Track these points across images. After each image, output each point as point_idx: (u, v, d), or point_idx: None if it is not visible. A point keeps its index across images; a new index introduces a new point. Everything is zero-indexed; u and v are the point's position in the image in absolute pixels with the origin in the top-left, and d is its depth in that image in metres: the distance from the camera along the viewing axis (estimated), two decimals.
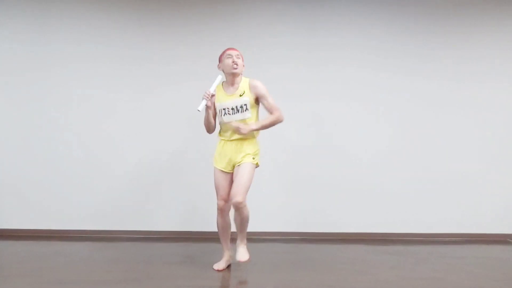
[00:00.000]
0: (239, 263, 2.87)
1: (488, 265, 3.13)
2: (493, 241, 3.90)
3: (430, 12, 4.03)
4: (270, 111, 2.84)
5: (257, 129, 2.81)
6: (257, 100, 2.86)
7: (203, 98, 2.79)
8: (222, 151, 2.90)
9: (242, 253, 2.87)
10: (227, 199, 2.85)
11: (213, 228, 3.90)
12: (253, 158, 2.85)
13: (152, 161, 3.95)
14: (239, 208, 2.76)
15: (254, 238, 3.83)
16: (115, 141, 3.95)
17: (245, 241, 2.94)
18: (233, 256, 3.00)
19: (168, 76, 3.97)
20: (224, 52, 2.89)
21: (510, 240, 3.96)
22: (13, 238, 3.76)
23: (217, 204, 2.88)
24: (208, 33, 3.96)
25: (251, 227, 3.87)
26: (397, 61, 4.02)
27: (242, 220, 2.84)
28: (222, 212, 2.88)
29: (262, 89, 2.83)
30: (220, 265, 2.93)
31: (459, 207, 4.00)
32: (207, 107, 2.84)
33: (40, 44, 3.94)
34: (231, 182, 2.87)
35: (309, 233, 3.91)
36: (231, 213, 2.89)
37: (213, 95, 2.82)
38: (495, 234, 4.00)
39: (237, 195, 2.73)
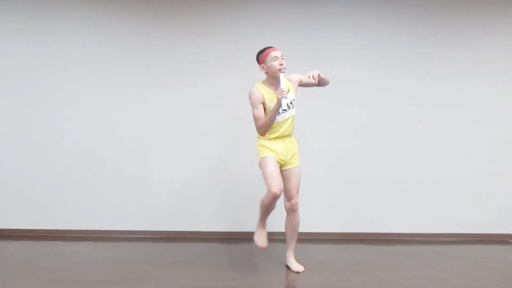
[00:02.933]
0: (298, 273, 2.87)
1: (488, 265, 3.13)
2: (493, 241, 3.90)
3: (431, 12, 4.02)
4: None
5: (325, 80, 2.86)
6: (300, 84, 2.96)
7: (282, 97, 2.67)
8: (273, 146, 2.84)
9: (297, 264, 2.94)
10: (282, 187, 2.76)
11: (213, 228, 3.93)
12: (299, 159, 2.95)
13: (152, 161, 3.95)
14: (295, 210, 2.88)
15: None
16: (116, 141, 3.94)
17: (294, 253, 2.99)
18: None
19: (168, 76, 3.96)
20: (267, 53, 2.81)
21: (510, 240, 3.96)
22: (13, 238, 3.76)
23: (272, 193, 2.69)
24: (208, 33, 3.95)
25: (250, 227, 3.89)
26: (396, 61, 4.01)
27: (296, 225, 2.93)
28: (275, 199, 2.75)
29: (294, 75, 2.94)
30: (265, 241, 2.86)
31: (459, 207, 4.00)
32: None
33: (40, 44, 3.93)
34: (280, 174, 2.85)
35: (309, 233, 3.90)
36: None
37: (287, 92, 2.76)
38: (495, 234, 3.99)
39: (295, 196, 2.87)
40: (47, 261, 3.07)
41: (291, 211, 2.89)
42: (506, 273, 2.96)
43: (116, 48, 3.95)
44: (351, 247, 3.66)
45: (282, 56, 2.82)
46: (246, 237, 3.83)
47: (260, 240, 2.88)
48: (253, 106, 2.82)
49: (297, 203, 2.87)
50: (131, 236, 3.88)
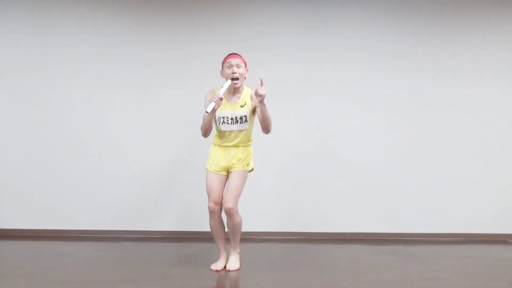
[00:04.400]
0: (228, 272, 2.86)
1: (488, 265, 3.13)
2: (493, 241, 3.90)
3: (431, 12, 4.02)
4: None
5: (264, 111, 2.73)
6: (254, 111, 2.86)
7: (211, 101, 2.71)
8: (216, 156, 2.88)
9: (234, 262, 2.93)
10: (218, 202, 2.84)
11: None
12: (247, 165, 2.88)
13: (152, 162, 3.94)
14: (230, 214, 2.81)
15: (253, 238, 3.83)
16: (116, 141, 3.94)
17: (237, 249, 2.96)
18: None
19: (168, 76, 3.96)
20: (225, 59, 2.85)
21: (510, 240, 3.96)
22: (13, 238, 3.76)
23: (208, 207, 2.85)
24: (208, 33, 3.95)
25: (252, 227, 3.89)
26: (397, 61, 4.01)
27: (234, 227, 2.87)
28: (213, 214, 2.86)
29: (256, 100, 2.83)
30: (218, 265, 2.92)
31: (459, 207, 4.00)
32: (213, 110, 2.76)
33: (41, 44, 3.93)
34: (224, 185, 2.88)
35: (309, 233, 3.91)
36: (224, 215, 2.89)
37: (221, 99, 2.73)
38: (495, 234, 3.99)
39: (228, 201, 2.79)
40: (47, 261, 3.07)
41: (227, 215, 2.83)
42: (506, 273, 2.96)
43: (114, 48, 3.95)
44: (351, 247, 3.66)
45: (238, 64, 2.80)
46: (246, 237, 3.84)
47: (214, 264, 2.94)
48: (204, 106, 2.83)
49: (231, 208, 2.78)
50: (131, 236, 3.88)
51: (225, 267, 2.93)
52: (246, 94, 2.86)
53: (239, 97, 2.85)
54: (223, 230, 2.96)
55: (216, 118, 2.84)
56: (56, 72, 3.94)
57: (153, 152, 3.95)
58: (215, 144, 2.93)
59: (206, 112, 2.72)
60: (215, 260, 3.01)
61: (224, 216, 2.89)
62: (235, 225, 2.87)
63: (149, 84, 3.96)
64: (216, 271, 2.88)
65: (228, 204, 2.78)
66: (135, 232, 3.91)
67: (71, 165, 3.92)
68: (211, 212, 2.85)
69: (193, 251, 3.42)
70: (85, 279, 2.68)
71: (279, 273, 2.87)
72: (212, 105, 2.70)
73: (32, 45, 3.93)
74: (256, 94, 2.67)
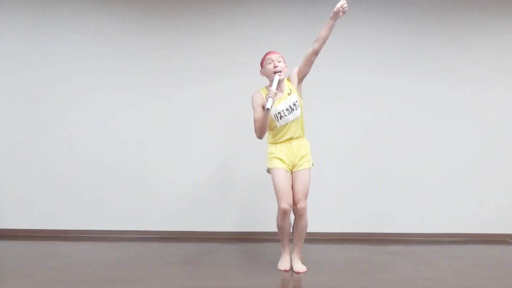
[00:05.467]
0: (298, 273, 2.84)
1: (488, 265, 3.13)
2: (493, 241, 3.90)
3: (431, 12, 4.03)
4: (315, 46, 2.78)
5: (333, 26, 2.70)
6: (298, 88, 2.88)
7: (269, 97, 2.69)
8: (280, 153, 2.85)
9: (300, 264, 2.91)
10: (290, 202, 2.80)
11: (214, 228, 3.93)
12: (310, 161, 2.90)
13: (152, 161, 3.95)
14: (302, 214, 2.82)
15: (254, 238, 3.84)
16: (116, 141, 3.95)
17: (300, 255, 2.96)
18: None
19: (168, 76, 3.97)
20: (264, 57, 2.90)
21: (510, 240, 3.96)
22: (13, 238, 3.76)
23: (282, 208, 2.77)
24: (208, 33, 3.96)
25: (250, 227, 3.89)
26: (396, 61, 4.02)
27: (303, 229, 2.89)
28: (286, 216, 2.81)
29: (293, 70, 2.89)
30: (287, 265, 2.90)
31: (459, 207, 4.00)
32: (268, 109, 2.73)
33: (40, 44, 3.94)
34: (291, 182, 2.86)
35: (309, 233, 3.89)
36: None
37: (276, 93, 2.73)
38: (495, 234, 4.00)
39: (301, 201, 2.80)
40: (47, 261, 3.07)
41: (298, 215, 2.84)
42: (506, 273, 2.96)
43: (115, 49, 3.96)
44: (351, 247, 3.66)
45: (278, 58, 2.84)
46: (246, 237, 3.85)
47: (281, 263, 2.94)
48: (253, 110, 2.85)
49: (303, 208, 2.80)
50: (131, 236, 3.88)
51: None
52: (286, 83, 2.89)
53: (282, 89, 2.87)
54: (290, 229, 2.94)
55: (273, 117, 2.82)
56: (56, 73, 3.94)
57: (153, 152, 3.95)
58: (274, 143, 2.90)
59: (268, 109, 2.68)
60: (216, 260, 3.00)
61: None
62: (304, 226, 2.88)
63: (152, 84, 3.97)
64: (285, 271, 2.87)
65: (302, 204, 2.79)
66: (135, 232, 3.92)
67: (71, 165, 3.93)
68: (284, 214, 2.79)
69: (193, 251, 3.42)
70: (85, 279, 2.67)
71: (279, 273, 2.87)
72: (271, 101, 2.68)
73: (32, 45, 3.94)
74: (343, 9, 2.64)
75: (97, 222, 3.92)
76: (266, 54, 2.92)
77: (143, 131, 3.95)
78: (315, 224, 3.92)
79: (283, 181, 2.81)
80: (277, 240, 3.73)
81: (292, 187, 2.86)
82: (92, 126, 3.94)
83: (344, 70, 4.00)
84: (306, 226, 2.90)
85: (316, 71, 3.96)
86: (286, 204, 2.77)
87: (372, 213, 3.97)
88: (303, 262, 2.94)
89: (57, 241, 3.69)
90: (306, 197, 2.83)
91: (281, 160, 2.84)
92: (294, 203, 2.83)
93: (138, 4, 3.97)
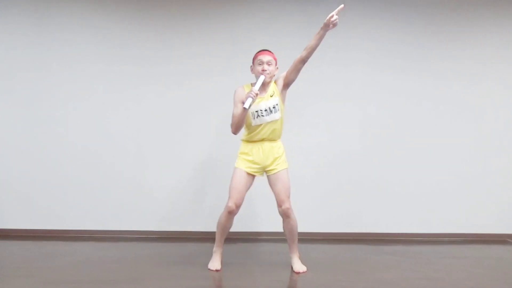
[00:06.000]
0: (298, 273, 2.84)
1: (488, 265, 3.13)
2: (493, 241, 3.90)
3: (431, 13, 4.02)
4: (303, 55, 2.78)
5: (322, 37, 2.72)
6: (282, 93, 2.88)
7: (249, 97, 2.69)
8: (249, 153, 2.87)
9: (300, 264, 2.90)
10: (239, 204, 2.81)
11: (213, 228, 3.91)
12: (285, 162, 2.90)
13: (152, 161, 3.95)
14: (288, 215, 2.81)
15: (253, 239, 3.83)
16: (116, 141, 3.94)
17: (298, 254, 2.94)
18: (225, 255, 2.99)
19: (167, 76, 3.96)
20: (255, 56, 2.88)
21: (510, 240, 3.96)
22: (13, 238, 3.76)
23: (228, 206, 2.79)
24: (208, 33, 3.95)
25: (250, 227, 3.89)
26: (396, 61, 4.01)
27: (293, 228, 2.87)
28: (231, 215, 2.83)
29: (282, 74, 2.88)
30: (217, 264, 2.89)
31: (459, 207, 4.00)
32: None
33: (40, 44, 3.93)
34: (249, 186, 2.88)
35: (309, 233, 3.90)
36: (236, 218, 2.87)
37: (257, 94, 2.73)
38: (495, 234, 3.99)
39: (285, 202, 2.81)
40: (47, 261, 3.07)
41: (284, 216, 2.84)
42: (506, 273, 2.96)
43: (114, 48, 3.96)
44: (351, 247, 3.66)
45: (269, 61, 2.82)
46: (246, 237, 3.85)
47: (211, 263, 2.90)
48: (234, 104, 2.86)
49: (288, 208, 2.80)
50: (131, 236, 3.88)
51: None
52: (271, 84, 2.89)
53: (266, 90, 2.87)
54: (229, 230, 2.94)
55: (250, 114, 2.83)
56: (56, 73, 3.94)
57: (153, 152, 3.95)
58: (247, 141, 2.91)
59: (245, 108, 2.69)
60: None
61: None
62: (293, 226, 2.86)
63: (150, 84, 3.96)
64: (217, 270, 2.86)
65: (286, 204, 2.80)
66: (135, 232, 3.91)
67: (71, 165, 3.92)
68: (230, 213, 2.81)
69: (193, 251, 3.42)
70: (85, 279, 2.68)
71: (278, 273, 2.87)
72: (250, 100, 2.68)
73: (31, 46, 3.93)
74: (332, 22, 2.66)
75: (97, 222, 3.91)
76: (258, 53, 2.88)
77: (142, 131, 3.95)
78: (315, 224, 3.94)
79: (238, 181, 2.83)
80: (275, 240, 3.74)
81: (273, 190, 2.88)
82: (92, 126, 3.94)
83: (343, 70, 3.99)
84: (296, 225, 2.88)
85: (317, 71, 4.00)
86: (232, 203, 2.78)
87: (372, 212, 3.97)
88: (303, 262, 2.94)
89: (57, 241, 3.68)
90: (288, 197, 2.83)
91: (247, 160, 2.86)
92: (279, 205, 2.83)
93: (138, 4, 3.97)
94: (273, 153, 2.86)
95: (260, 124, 2.84)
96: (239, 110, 2.80)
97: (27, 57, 3.94)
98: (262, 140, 2.86)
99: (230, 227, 2.93)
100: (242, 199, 2.83)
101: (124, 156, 3.94)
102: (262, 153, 2.86)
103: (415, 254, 3.41)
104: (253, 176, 2.90)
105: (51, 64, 3.94)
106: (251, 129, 2.88)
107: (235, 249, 3.51)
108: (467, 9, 4.04)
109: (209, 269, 2.87)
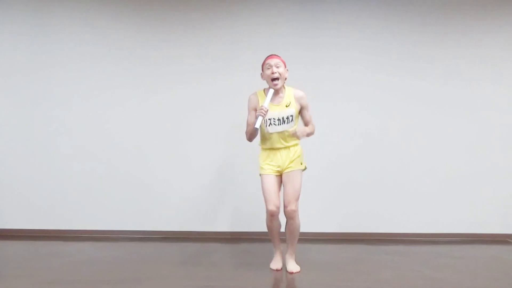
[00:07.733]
0: (291, 274, 2.86)
1: (488, 265, 3.13)
2: (493, 241, 3.90)
3: (431, 12, 4.02)
4: (306, 123, 2.93)
5: (308, 134, 2.85)
6: (299, 111, 2.89)
7: (259, 115, 2.70)
8: (268, 159, 2.88)
9: (294, 264, 2.92)
10: (277, 204, 2.81)
11: (213, 228, 3.93)
12: (301, 163, 2.89)
13: (152, 161, 3.95)
14: (292, 217, 2.82)
15: (253, 239, 3.84)
16: (116, 141, 3.95)
17: (294, 255, 2.96)
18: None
19: (167, 76, 3.97)
20: (264, 61, 2.86)
21: (510, 240, 3.96)
22: (13, 238, 3.76)
23: (269, 211, 2.81)
24: (208, 33, 3.96)
25: (249, 227, 3.89)
26: (396, 62, 4.01)
27: (294, 230, 2.88)
28: (273, 217, 2.84)
29: (306, 100, 2.89)
30: (278, 264, 2.94)
31: (459, 207, 4.00)
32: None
33: (40, 44, 3.94)
34: (280, 186, 2.90)
35: (309, 233, 3.90)
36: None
37: (267, 111, 2.73)
38: (495, 234, 3.99)
39: (291, 203, 2.80)
40: (47, 261, 3.07)
41: (288, 218, 2.84)
42: (506, 273, 2.96)
43: (115, 48, 3.96)
44: (351, 247, 3.66)
45: (277, 64, 2.80)
46: (246, 237, 3.85)
47: (273, 263, 2.97)
48: (248, 111, 2.91)
49: (293, 210, 2.79)
50: (131, 236, 3.88)
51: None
52: (289, 93, 2.86)
53: (282, 97, 2.85)
54: (279, 230, 2.96)
55: (263, 121, 2.81)
56: (56, 73, 3.94)
57: (153, 152, 3.95)
58: (264, 149, 2.93)
59: (256, 128, 2.71)
60: (216, 260, 3.00)
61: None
62: (295, 229, 2.87)
63: (151, 84, 3.96)
64: (277, 270, 2.90)
65: (291, 206, 2.79)
66: (135, 232, 3.92)
67: (71, 165, 3.93)
68: (272, 215, 2.82)
69: (193, 251, 3.42)
70: (85, 279, 2.68)
71: (278, 273, 2.87)
72: (260, 119, 2.70)
73: (31, 45, 3.93)
74: (294, 134, 2.78)
75: (97, 222, 3.92)
76: (266, 58, 2.87)
77: (143, 131, 3.95)
78: (315, 224, 3.94)
79: (270, 185, 2.84)
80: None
81: (283, 190, 2.89)
82: (92, 126, 3.94)
83: (343, 69, 3.99)
84: (298, 228, 2.90)
85: (317, 71, 4.00)
86: (272, 206, 2.80)
87: (372, 213, 3.97)
88: (297, 263, 2.94)
89: (57, 241, 3.69)
90: (296, 199, 2.82)
91: (268, 164, 2.88)
92: (285, 206, 2.84)
93: (138, 4, 3.97)
94: (290, 156, 2.87)
95: (274, 133, 2.83)
96: (252, 118, 2.84)
97: (27, 57, 3.94)
98: (278, 149, 2.87)
99: (279, 227, 2.94)
100: (278, 199, 2.84)
101: (125, 156, 3.94)
102: (280, 157, 2.87)
103: (414, 254, 3.41)
104: (280, 176, 2.90)
105: (51, 64, 3.94)
106: (267, 136, 2.87)
107: (236, 249, 3.51)
108: (467, 9, 4.03)
109: (270, 268, 2.93)
